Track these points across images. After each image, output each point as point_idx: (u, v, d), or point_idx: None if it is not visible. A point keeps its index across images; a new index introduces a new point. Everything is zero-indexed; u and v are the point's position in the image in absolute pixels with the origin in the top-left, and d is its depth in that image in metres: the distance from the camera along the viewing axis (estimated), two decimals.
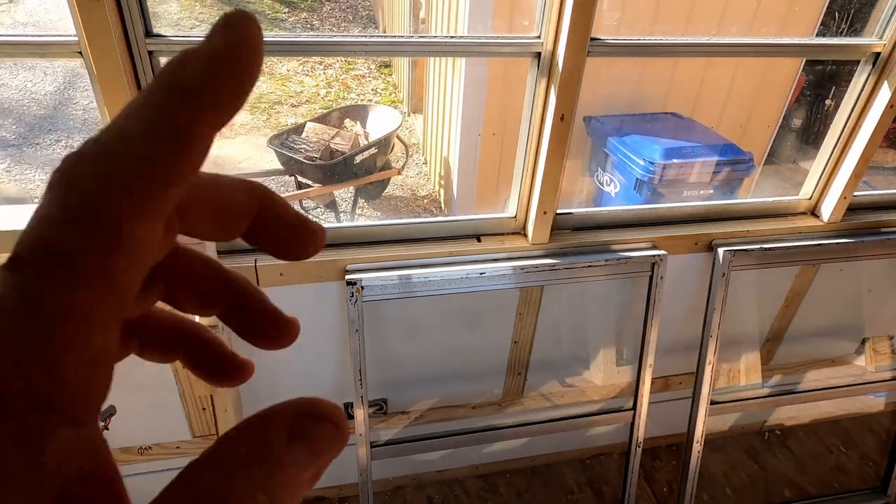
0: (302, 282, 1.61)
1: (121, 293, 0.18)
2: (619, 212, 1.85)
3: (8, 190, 4.63)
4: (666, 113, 4.45)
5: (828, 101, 5.42)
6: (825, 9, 4.17)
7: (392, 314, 1.79)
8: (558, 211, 1.72)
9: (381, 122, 4.89)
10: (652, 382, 1.95)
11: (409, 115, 6.21)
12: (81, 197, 0.18)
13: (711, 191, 3.98)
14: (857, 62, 1.72)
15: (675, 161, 3.84)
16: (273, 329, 0.26)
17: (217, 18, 0.19)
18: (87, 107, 5.75)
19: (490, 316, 1.88)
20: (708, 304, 1.90)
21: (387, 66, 7.23)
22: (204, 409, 1.77)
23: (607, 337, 2.06)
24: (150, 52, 1.27)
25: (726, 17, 4.07)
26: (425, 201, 5.23)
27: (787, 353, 2.30)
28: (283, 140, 4.55)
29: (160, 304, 0.26)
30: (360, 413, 1.73)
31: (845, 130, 1.79)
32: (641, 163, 3.86)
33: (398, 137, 4.85)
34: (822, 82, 5.42)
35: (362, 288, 1.58)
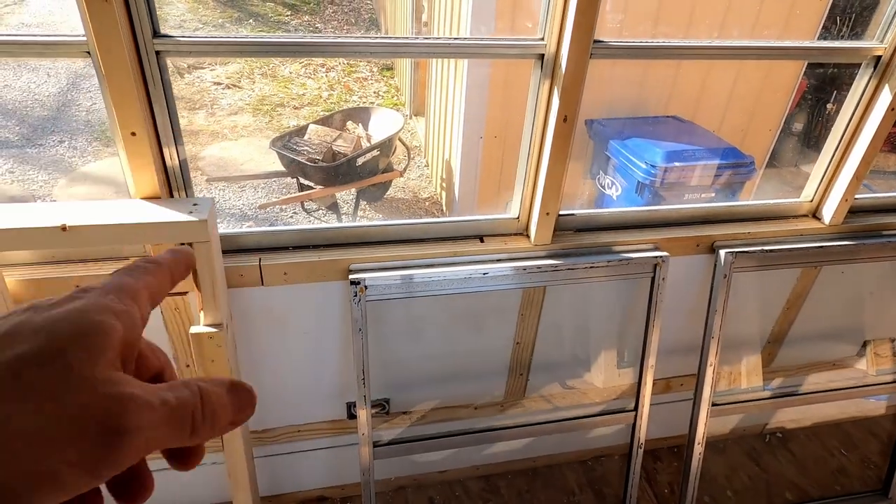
0: (306, 281, 1.61)
1: None
2: (622, 213, 1.86)
3: (11, 190, 4.65)
4: (667, 116, 4.47)
5: (829, 106, 5.44)
6: (826, 13, 4.19)
7: (394, 314, 1.79)
8: (561, 212, 1.73)
9: (383, 124, 4.91)
10: (653, 384, 1.95)
11: (410, 118, 6.23)
12: None
13: (713, 194, 3.99)
14: (858, 66, 1.73)
15: (676, 164, 3.85)
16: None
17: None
18: (89, 108, 5.77)
19: (492, 316, 1.88)
20: (709, 306, 1.90)
21: (389, 68, 7.26)
22: None
23: (609, 339, 2.06)
24: (157, 53, 1.28)
25: (727, 21, 4.08)
26: (427, 204, 5.25)
27: (788, 355, 2.31)
28: (286, 142, 4.57)
29: None
30: (362, 413, 1.74)
31: (846, 133, 1.80)
32: (643, 166, 3.87)
33: (400, 140, 4.86)
34: (824, 86, 5.43)
35: (366, 287, 1.59)
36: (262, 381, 1.78)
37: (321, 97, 6.57)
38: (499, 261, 1.71)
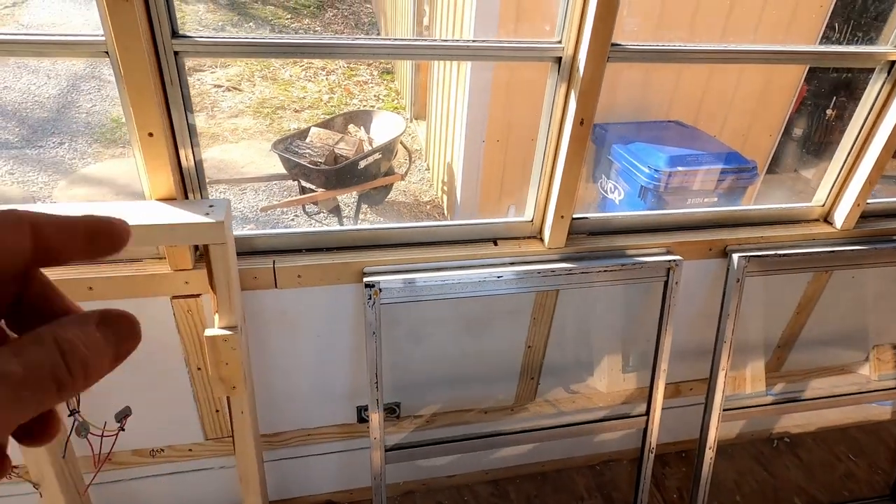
0: (319, 284, 1.60)
1: None
2: (634, 217, 1.85)
3: (11, 192, 4.61)
4: (668, 121, 4.48)
5: (829, 111, 5.46)
6: (827, 19, 4.21)
7: (406, 317, 1.78)
8: (574, 216, 1.73)
9: (385, 127, 4.90)
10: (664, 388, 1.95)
11: (411, 122, 6.23)
12: None
13: (716, 199, 4.00)
14: (863, 72, 1.73)
15: (680, 169, 3.85)
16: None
17: None
18: (90, 110, 5.74)
19: (504, 320, 1.87)
20: (722, 310, 1.90)
21: (389, 72, 7.26)
22: (217, 410, 1.76)
23: (617, 343, 2.06)
24: (175, 53, 1.27)
25: (729, 27, 4.10)
26: (428, 207, 5.24)
27: (798, 360, 2.31)
28: (288, 145, 4.55)
29: None
30: (375, 417, 1.72)
31: (859, 138, 1.80)
32: (646, 170, 3.88)
33: (402, 143, 4.86)
34: (824, 92, 5.46)
35: (380, 290, 1.58)
36: (273, 384, 1.77)
37: (322, 100, 6.56)
38: (513, 264, 1.70)
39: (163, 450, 1.78)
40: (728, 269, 1.86)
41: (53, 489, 1.52)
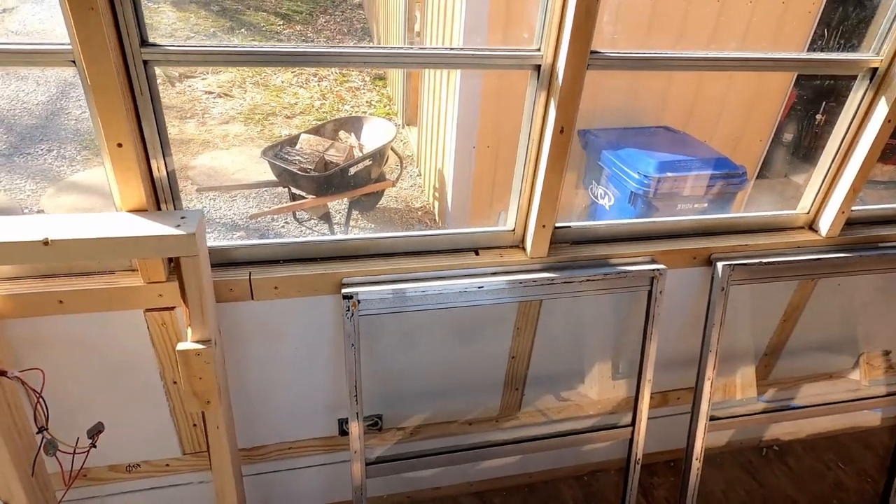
0: (297, 295, 1.58)
1: None
2: (618, 225, 1.83)
3: None
4: (658, 126, 4.48)
5: (818, 116, 5.47)
6: (815, 27, 4.22)
7: (388, 328, 1.76)
8: (557, 224, 1.71)
9: (375, 133, 4.89)
10: (650, 397, 1.92)
11: (403, 127, 6.22)
12: None
13: (706, 204, 3.99)
14: (851, 77, 1.72)
15: (669, 174, 3.84)
16: None
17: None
18: (79, 117, 5.70)
19: (487, 330, 1.85)
20: (707, 319, 1.88)
21: (381, 78, 7.25)
22: (195, 425, 1.73)
23: (604, 351, 2.03)
24: (145, 62, 1.25)
25: (717, 33, 4.10)
26: (419, 213, 5.22)
27: (785, 367, 2.29)
28: (278, 151, 4.53)
29: None
30: (355, 429, 1.69)
31: (843, 145, 1.79)
32: (636, 176, 3.87)
33: (392, 149, 4.84)
34: (813, 97, 5.48)
35: (359, 302, 1.55)
36: (252, 397, 1.74)
37: (313, 106, 6.54)
38: (494, 274, 1.68)
39: (139, 465, 1.75)
40: (713, 278, 1.84)
41: None
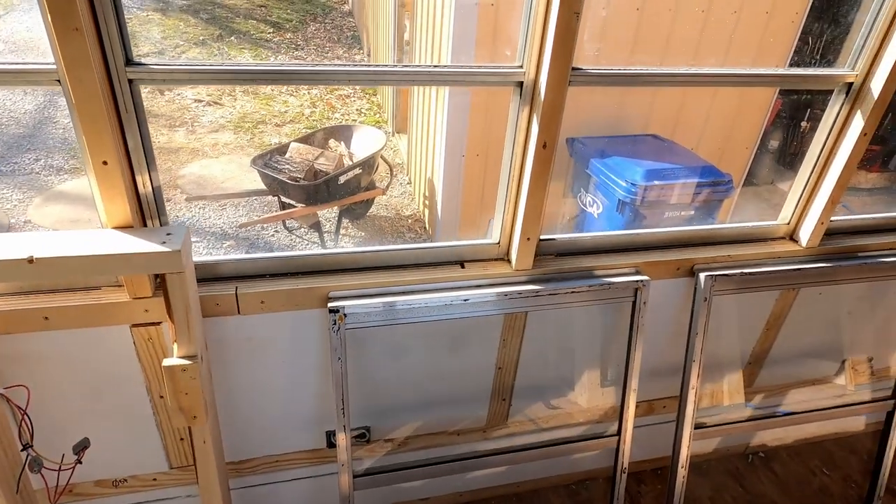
0: (283, 309, 1.59)
1: None
2: (602, 237, 1.86)
3: None
4: (646, 135, 4.52)
5: (803, 124, 5.55)
6: (796, 41, 4.28)
7: (374, 340, 1.77)
8: (542, 237, 1.73)
9: (365, 142, 4.90)
10: (636, 406, 1.94)
11: (393, 136, 6.24)
12: None
13: (692, 212, 4.03)
14: (828, 92, 1.76)
15: (656, 182, 3.88)
16: None
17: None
18: (67, 126, 5.68)
19: (474, 342, 1.86)
20: (690, 329, 1.91)
21: None
22: (182, 439, 1.73)
23: (591, 360, 2.05)
24: (130, 81, 1.26)
25: (701, 48, 4.15)
26: (409, 221, 5.23)
27: (769, 375, 2.32)
28: (267, 160, 4.53)
29: None
30: (342, 441, 1.70)
31: (821, 158, 1.82)
32: (624, 184, 3.90)
33: (382, 157, 4.85)
34: (798, 105, 5.55)
35: (345, 316, 1.56)
36: (239, 410, 1.74)
37: (303, 115, 6.55)
38: (479, 287, 1.69)
39: (126, 480, 1.75)
40: (695, 288, 1.87)
41: None
